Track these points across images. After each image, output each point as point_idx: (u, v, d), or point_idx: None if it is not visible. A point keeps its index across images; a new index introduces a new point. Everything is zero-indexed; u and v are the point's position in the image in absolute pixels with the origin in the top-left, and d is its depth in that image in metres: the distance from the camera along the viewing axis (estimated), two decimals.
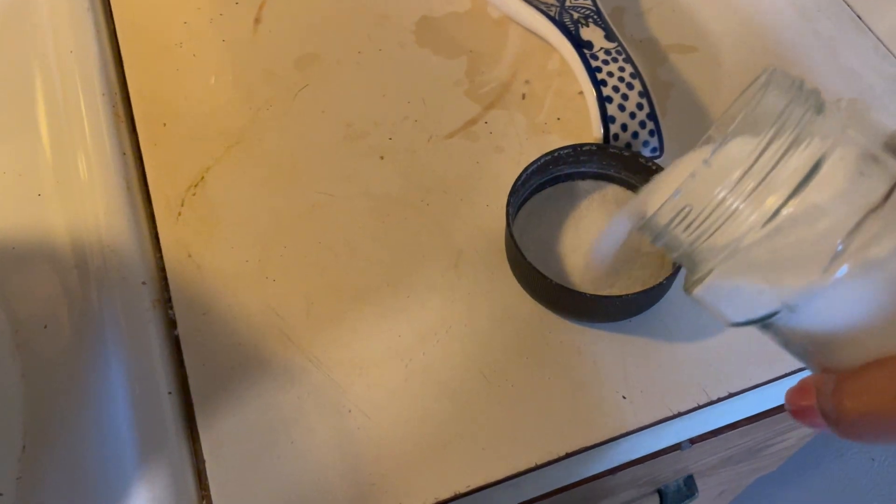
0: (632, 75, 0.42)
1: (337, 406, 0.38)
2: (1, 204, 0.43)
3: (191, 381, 0.38)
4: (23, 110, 0.47)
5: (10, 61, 0.48)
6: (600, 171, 0.42)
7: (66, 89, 0.47)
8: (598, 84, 0.42)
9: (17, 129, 0.46)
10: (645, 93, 0.41)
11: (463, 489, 0.36)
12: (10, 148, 0.45)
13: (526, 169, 0.41)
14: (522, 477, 0.38)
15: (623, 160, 0.41)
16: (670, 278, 0.38)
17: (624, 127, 0.42)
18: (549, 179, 0.43)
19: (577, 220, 0.42)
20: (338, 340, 0.39)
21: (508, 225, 0.39)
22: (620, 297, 0.37)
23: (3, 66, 0.48)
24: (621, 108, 0.42)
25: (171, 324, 0.40)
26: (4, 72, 0.48)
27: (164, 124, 0.47)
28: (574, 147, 0.41)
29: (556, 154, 0.41)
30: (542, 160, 0.41)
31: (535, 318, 0.40)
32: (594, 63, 0.43)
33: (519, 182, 0.41)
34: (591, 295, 0.38)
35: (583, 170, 0.42)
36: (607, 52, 0.43)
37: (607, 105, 0.42)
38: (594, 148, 0.41)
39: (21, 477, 0.37)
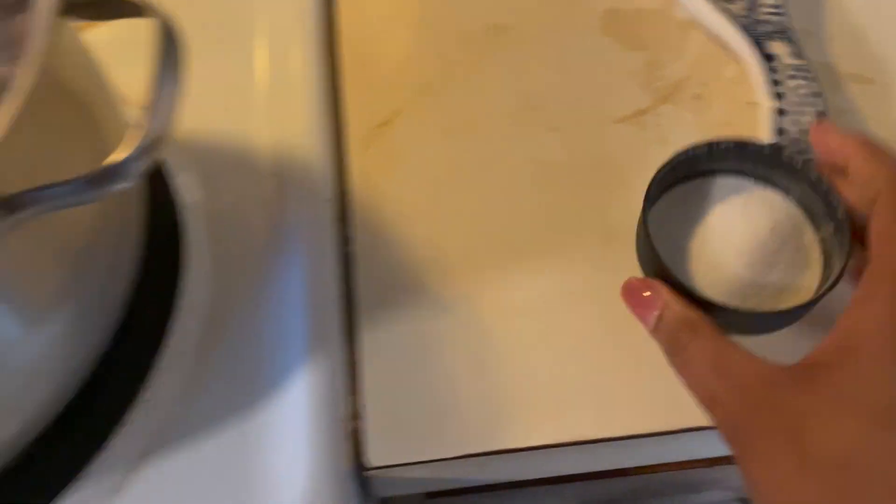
0: (814, 94, 0.44)
1: (480, 341, 0.42)
2: (220, 111, 0.49)
3: (360, 292, 0.43)
4: (243, 35, 0.53)
5: None
6: (740, 168, 0.41)
7: (284, 19, 0.53)
8: (775, 96, 0.44)
9: (238, 49, 0.52)
10: (824, 113, 0.43)
11: (581, 438, 0.40)
12: (231, 64, 0.51)
13: (667, 163, 0.39)
14: (634, 441, 0.41)
15: (765, 158, 0.40)
16: (825, 291, 0.36)
17: (794, 143, 0.44)
18: (691, 174, 0.42)
19: (716, 219, 0.43)
20: (490, 285, 0.43)
21: (644, 221, 0.38)
22: (767, 313, 0.37)
23: None
24: (795, 123, 0.44)
25: (346, 240, 0.45)
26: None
27: (364, 65, 0.52)
28: (733, 142, 0.40)
29: (699, 149, 0.40)
30: (686, 155, 0.40)
31: None
32: (775, 76, 0.45)
33: (660, 174, 0.39)
34: (735, 308, 0.36)
35: (726, 167, 0.41)
36: (794, 67, 0.45)
37: (781, 118, 0.44)
38: (737, 145, 0.40)
39: (202, 341, 0.43)
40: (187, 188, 0.47)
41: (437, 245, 0.45)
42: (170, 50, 0.31)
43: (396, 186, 0.47)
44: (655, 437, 0.40)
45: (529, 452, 0.39)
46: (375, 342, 0.42)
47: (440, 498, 0.51)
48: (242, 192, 0.47)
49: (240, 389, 0.41)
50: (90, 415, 0.38)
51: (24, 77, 0.27)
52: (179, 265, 0.44)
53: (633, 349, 0.41)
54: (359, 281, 0.44)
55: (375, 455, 0.39)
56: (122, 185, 0.29)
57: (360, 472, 0.39)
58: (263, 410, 0.40)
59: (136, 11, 0.31)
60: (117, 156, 0.29)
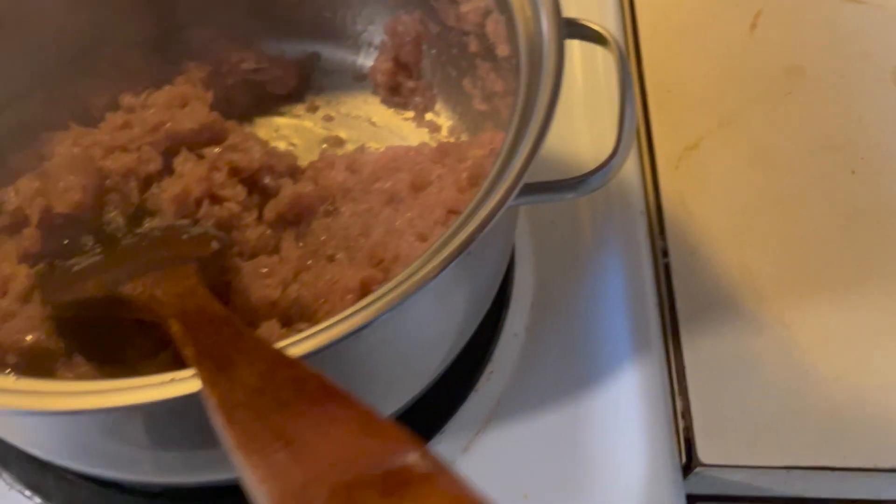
0: None
1: (798, 363, 0.45)
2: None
3: (678, 302, 0.46)
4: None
5: None
6: None
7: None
8: None
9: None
10: None
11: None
12: None
13: None
14: None
15: None
16: None
17: None
18: None
19: None
20: (802, 311, 0.46)
21: None
22: None
23: None
24: None
25: (662, 252, 0.49)
26: None
27: (668, 91, 0.56)
28: None
29: None
30: None
31: None
32: None
33: None
34: None
35: None
36: None
37: None
38: None
39: (529, 325, 0.47)
40: None
41: (748, 268, 0.48)
42: (626, 78, 0.35)
43: (705, 208, 0.50)
44: None
45: (851, 473, 0.41)
46: (697, 351, 0.45)
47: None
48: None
49: (569, 374, 0.45)
50: (450, 382, 0.43)
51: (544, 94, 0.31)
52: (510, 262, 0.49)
53: None
54: (677, 293, 0.47)
55: (705, 453, 0.42)
56: (592, 190, 0.33)
57: (686, 469, 0.42)
58: (594, 397, 0.44)
59: (598, 39, 0.35)
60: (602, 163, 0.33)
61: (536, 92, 0.32)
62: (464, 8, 0.43)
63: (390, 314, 0.27)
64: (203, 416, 0.31)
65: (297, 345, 0.26)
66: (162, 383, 0.25)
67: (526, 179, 0.30)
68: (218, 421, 0.21)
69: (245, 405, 0.20)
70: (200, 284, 0.31)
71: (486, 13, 0.41)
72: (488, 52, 0.44)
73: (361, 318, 0.26)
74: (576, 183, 0.33)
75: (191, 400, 0.26)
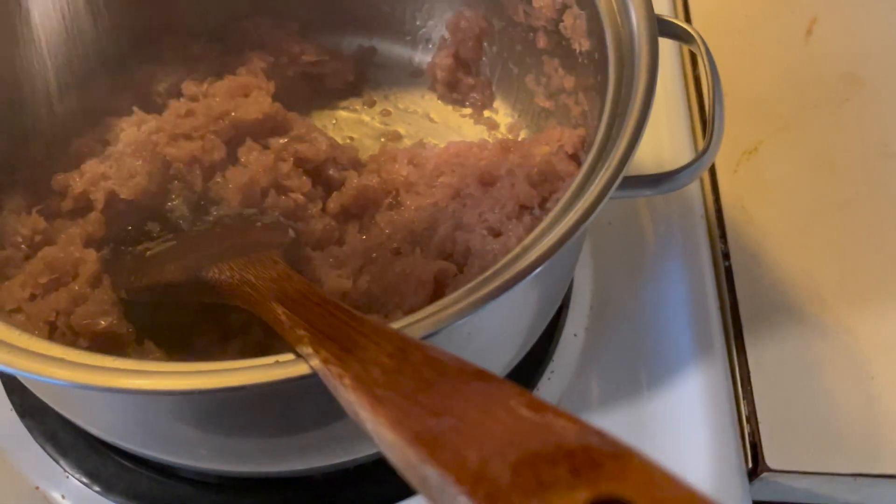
0: None
1: (861, 369, 0.44)
2: None
3: (741, 306, 0.46)
4: None
5: None
6: None
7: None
8: None
9: None
10: None
11: None
12: None
13: None
14: None
15: None
16: None
17: None
18: None
19: None
20: (866, 319, 0.46)
21: None
22: None
23: None
24: None
25: (724, 255, 0.48)
26: None
27: (725, 95, 0.55)
28: None
29: None
30: None
31: None
32: None
33: None
34: None
35: None
36: None
37: None
38: None
39: (589, 326, 0.46)
40: None
41: (811, 273, 0.47)
42: (715, 77, 0.35)
43: (765, 211, 0.50)
44: None
45: None
46: (760, 355, 0.44)
47: None
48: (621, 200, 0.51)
49: (630, 376, 0.44)
50: (516, 379, 0.42)
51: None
52: None
53: None
54: (739, 296, 0.47)
55: (772, 459, 0.41)
56: (682, 185, 0.33)
57: (752, 474, 0.42)
58: (657, 399, 0.43)
59: (686, 37, 0.35)
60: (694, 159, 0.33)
61: (630, 88, 0.31)
62: (537, 3, 0.43)
63: (493, 304, 0.26)
64: (282, 405, 0.31)
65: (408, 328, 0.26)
66: (265, 365, 0.25)
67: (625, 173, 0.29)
68: (359, 402, 0.20)
69: (386, 384, 0.19)
70: (292, 270, 0.30)
71: (564, 8, 0.40)
72: (559, 47, 0.43)
73: (466, 305, 0.26)
74: (668, 177, 0.33)
75: (286, 385, 0.26)
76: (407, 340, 0.22)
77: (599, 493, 0.16)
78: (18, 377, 0.37)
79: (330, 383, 0.22)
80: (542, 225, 0.28)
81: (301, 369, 0.24)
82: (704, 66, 0.35)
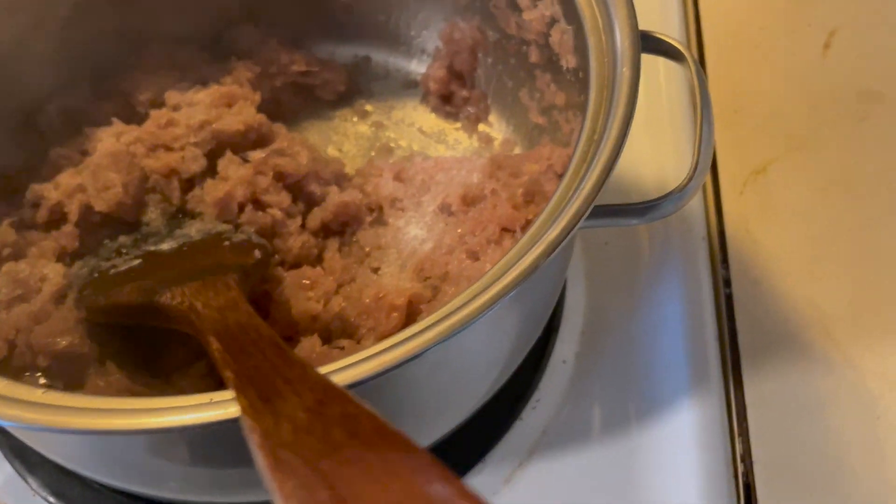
0: None
1: (867, 408, 0.41)
2: None
3: (740, 336, 0.44)
4: None
5: None
6: None
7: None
8: None
9: None
10: None
11: None
12: None
13: None
14: None
15: None
16: None
17: None
18: None
19: None
20: (875, 353, 0.43)
21: None
22: None
23: None
24: None
25: (725, 282, 0.46)
26: None
27: (735, 111, 0.53)
28: None
29: None
30: None
31: None
32: None
33: None
34: None
35: None
36: None
37: None
38: None
39: (579, 352, 0.44)
40: None
41: (817, 303, 0.45)
42: (705, 97, 0.32)
43: (772, 236, 0.47)
44: None
45: None
46: (759, 389, 0.42)
47: None
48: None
49: (620, 406, 0.42)
50: (493, 410, 0.40)
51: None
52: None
53: None
54: (739, 326, 0.44)
55: (767, 501, 0.39)
56: (663, 216, 0.31)
57: None
58: (647, 433, 0.41)
59: (675, 54, 0.33)
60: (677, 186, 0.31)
61: (609, 107, 0.29)
62: (527, 15, 0.41)
63: (447, 343, 0.24)
64: (238, 438, 0.30)
65: (345, 370, 0.24)
66: (200, 405, 0.23)
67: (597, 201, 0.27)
68: (261, 462, 0.19)
69: (292, 445, 0.18)
70: (242, 297, 0.29)
71: (552, 22, 0.38)
72: (550, 62, 0.42)
73: (417, 344, 0.24)
74: (645, 208, 0.31)
75: (229, 424, 0.24)
76: (329, 391, 0.20)
77: None
78: None
79: (245, 434, 0.20)
80: (499, 264, 0.26)
81: (227, 412, 0.23)
82: (693, 85, 0.32)
